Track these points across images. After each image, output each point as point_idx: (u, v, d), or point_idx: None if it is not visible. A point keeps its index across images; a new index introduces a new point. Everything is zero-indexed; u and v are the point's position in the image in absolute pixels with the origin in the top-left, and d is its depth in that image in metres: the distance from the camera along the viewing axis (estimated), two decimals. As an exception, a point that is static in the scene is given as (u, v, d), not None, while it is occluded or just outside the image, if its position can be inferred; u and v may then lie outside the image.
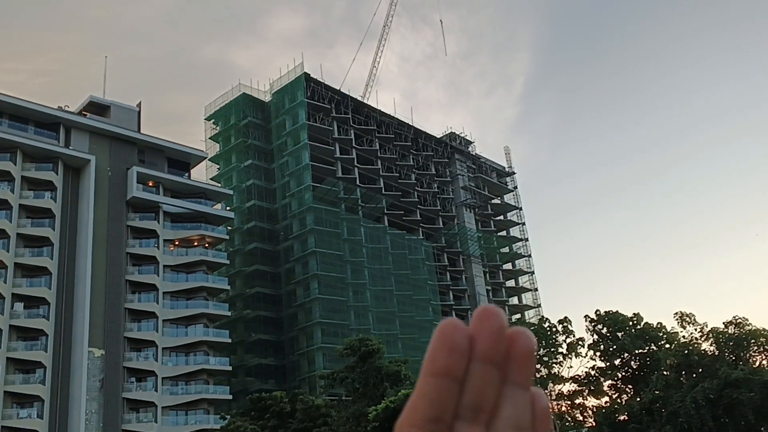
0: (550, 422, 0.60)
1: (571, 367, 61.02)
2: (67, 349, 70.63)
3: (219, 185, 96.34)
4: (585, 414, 60.81)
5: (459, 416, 0.57)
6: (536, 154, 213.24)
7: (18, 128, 75.08)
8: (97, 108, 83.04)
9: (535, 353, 0.59)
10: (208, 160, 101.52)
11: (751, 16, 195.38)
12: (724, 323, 57.41)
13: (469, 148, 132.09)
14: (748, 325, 56.77)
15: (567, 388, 61.32)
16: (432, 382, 0.56)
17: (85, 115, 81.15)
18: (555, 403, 61.03)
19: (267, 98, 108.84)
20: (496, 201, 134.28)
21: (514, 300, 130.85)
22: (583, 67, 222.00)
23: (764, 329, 56.83)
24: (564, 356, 60.67)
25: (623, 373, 60.85)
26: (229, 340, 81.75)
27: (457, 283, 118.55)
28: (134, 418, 71.73)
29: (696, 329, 57.87)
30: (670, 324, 61.34)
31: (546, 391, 60.74)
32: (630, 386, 60.83)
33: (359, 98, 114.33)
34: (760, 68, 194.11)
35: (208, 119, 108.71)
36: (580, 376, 61.04)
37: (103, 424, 69.25)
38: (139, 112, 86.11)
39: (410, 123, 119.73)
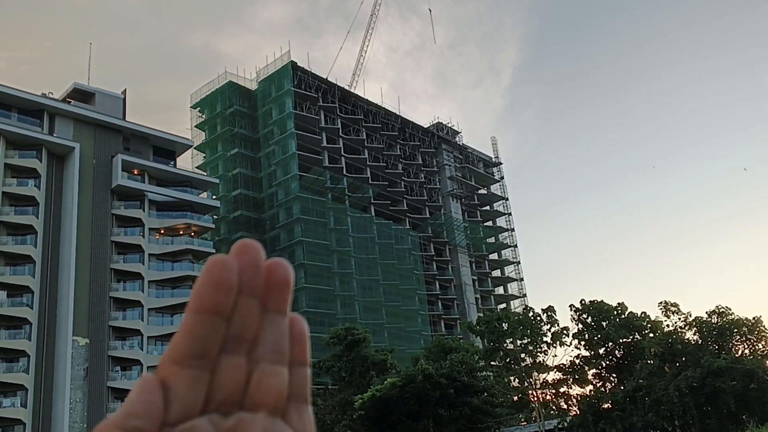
0: (306, 343, 0.62)
1: (555, 356, 61.26)
2: (51, 338, 70.17)
3: (205, 174, 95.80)
4: (569, 402, 61.11)
5: (222, 350, 0.57)
6: (523, 145, 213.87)
7: (1, 115, 74.21)
8: (81, 95, 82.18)
9: (291, 281, 0.59)
10: (194, 148, 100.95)
11: (740, 10, 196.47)
12: (707, 313, 57.89)
13: (456, 138, 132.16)
14: (731, 315, 57.22)
15: (551, 376, 61.55)
16: (197, 319, 0.55)
17: (69, 102, 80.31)
18: (540, 391, 61.33)
19: (253, 87, 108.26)
20: (483, 191, 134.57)
21: (500, 290, 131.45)
22: (571, 59, 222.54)
23: (747, 319, 57.28)
24: (549, 345, 60.91)
25: (607, 362, 61.19)
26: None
27: (443, 273, 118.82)
28: (119, 406, 70.97)
29: (680, 318, 58.29)
30: (655, 313, 61.72)
31: (531, 380, 61.07)
32: (614, 375, 61.22)
33: (346, 87, 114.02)
34: (749, 61, 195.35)
35: (193, 107, 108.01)
36: (564, 365, 61.27)
37: (87, 413, 68.94)
38: (124, 100, 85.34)
39: (397, 113, 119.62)
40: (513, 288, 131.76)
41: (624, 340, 60.48)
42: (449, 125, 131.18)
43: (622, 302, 61.60)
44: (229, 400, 0.56)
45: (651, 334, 59.46)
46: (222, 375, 0.56)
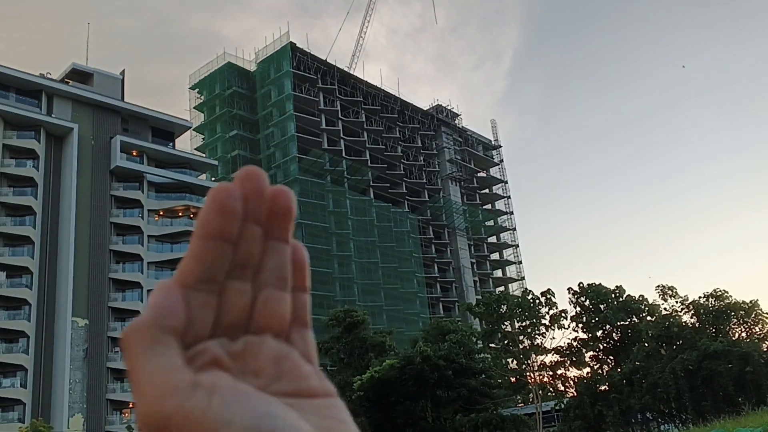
0: (306, 270, 0.63)
1: (553, 338, 61.44)
2: (51, 319, 70.37)
3: (204, 155, 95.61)
4: (567, 384, 61.38)
5: (228, 275, 0.58)
6: (523, 128, 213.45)
7: (-1, 95, 73.96)
8: (79, 76, 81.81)
9: (294, 209, 0.59)
10: (193, 130, 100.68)
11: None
12: (704, 294, 58.08)
13: (456, 121, 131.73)
14: (729, 298, 57.37)
15: (549, 359, 61.81)
16: (205, 244, 0.56)
17: (67, 83, 79.96)
18: (537, 373, 61.61)
19: (252, 68, 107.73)
20: (482, 174, 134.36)
21: (498, 273, 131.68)
22: (571, 42, 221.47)
23: (744, 302, 57.40)
24: (547, 328, 61.09)
25: (605, 345, 61.40)
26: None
27: (441, 256, 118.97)
28: (118, 387, 71.80)
29: (677, 302, 58.48)
30: (652, 296, 61.80)
31: (529, 362, 61.32)
32: (611, 357, 61.44)
33: (346, 69, 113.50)
34: (751, 43, 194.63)
35: (192, 88, 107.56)
36: (562, 348, 61.47)
37: (87, 394, 69.30)
38: (122, 81, 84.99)
39: (397, 95, 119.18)
40: (511, 271, 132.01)
41: (621, 322, 60.67)
42: (449, 108, 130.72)
43: (620, 285, 61.74)
44: (236, 324, 0.58)
45: (648, 317, 59.65)
46: (229, 300, 0.57)
